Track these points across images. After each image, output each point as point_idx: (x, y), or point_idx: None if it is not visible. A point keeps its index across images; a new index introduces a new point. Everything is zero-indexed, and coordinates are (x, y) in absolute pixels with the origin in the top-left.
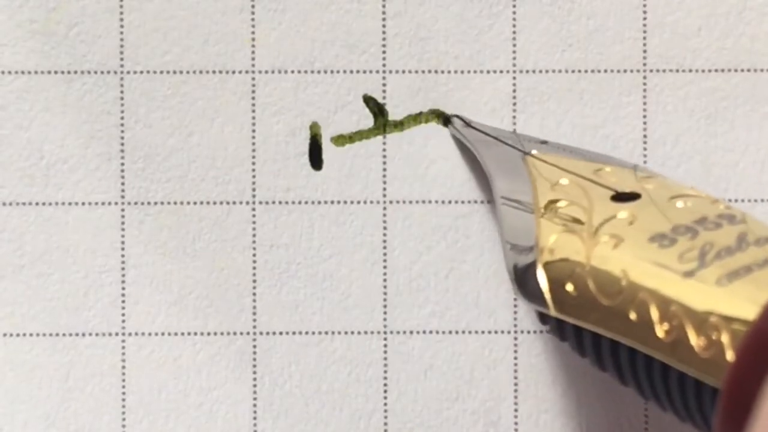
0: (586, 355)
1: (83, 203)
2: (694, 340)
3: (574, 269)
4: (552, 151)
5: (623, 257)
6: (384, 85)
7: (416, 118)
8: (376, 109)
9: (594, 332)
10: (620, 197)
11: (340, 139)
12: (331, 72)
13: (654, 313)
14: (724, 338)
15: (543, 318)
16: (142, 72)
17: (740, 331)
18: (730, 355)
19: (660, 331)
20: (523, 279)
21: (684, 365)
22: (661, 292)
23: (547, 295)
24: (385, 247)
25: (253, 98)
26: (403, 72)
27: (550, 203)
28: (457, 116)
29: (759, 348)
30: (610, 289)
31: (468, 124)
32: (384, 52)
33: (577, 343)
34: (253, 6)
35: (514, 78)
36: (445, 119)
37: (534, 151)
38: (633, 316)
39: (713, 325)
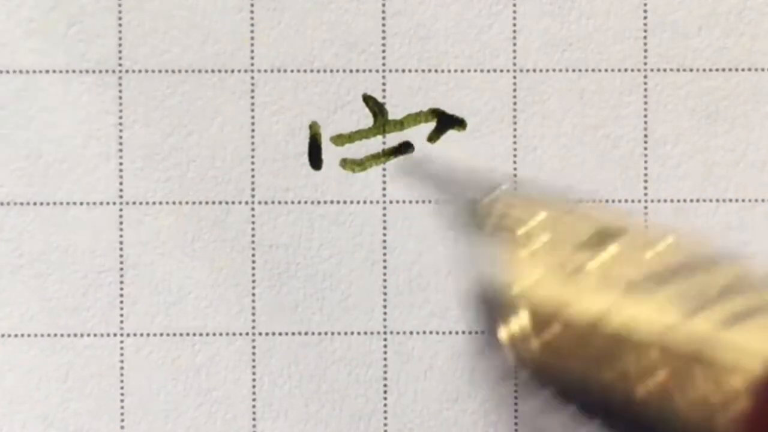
0: (571, 404)
1: (82, 203)
2: (701, 385)
3: (556, 310)
4: (525, 190)
5: (602, 299)
6: (384, 84)
7: (416, 118)
8: (376, 108)
9: (580, 378)
10: (599, 238)
11: (340, 139)
12: (331, 71)
13: (639, 358)
14: (735, 384)
15: (522, 362)
16: (140, 71)
17: (751, 375)
18: (743, 403)
19: (658, 376)
20: (502, 323)
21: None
22: (647, 336)
23: (529, 338)
24: (385, 247)
25: (253, 97)
26: (403, 71)
27: (528, 243)
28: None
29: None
30: (593, 332)
31: (440, 169)
32: (384, 51)
33: (559, 391)
34: (252, 5)
35: (514, 78)
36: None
37: (506, 188)
38: (617, 360)
39: (722, 370)
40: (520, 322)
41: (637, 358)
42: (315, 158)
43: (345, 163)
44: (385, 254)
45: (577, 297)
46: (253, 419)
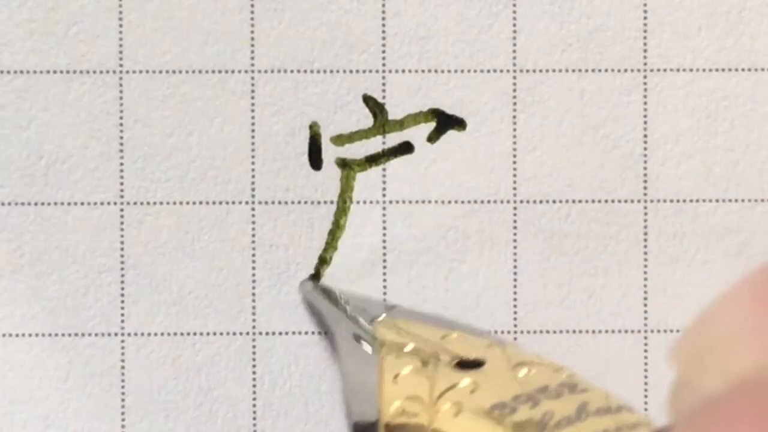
0: None
1: (82, 203)
2: None
3: None
4: (400, 316)
5: (464, 425)
6: (384, 84)
7: (416, 118)
8: (376, 108)
9: None
10: (463, 364)
11: (340, 139)
12: (331, 72)
13: None
14: None
15: None
16: (141, 71)
17: None
18: None
19: None
20: None
21: None
22: None
23: None
24: (385, 247)
25: (253, 98)
26: (403, 72)
27: (395, 370)
28: (307, 280)
29: None
30: None
31: (316, 288)
32: (384, 51)
33: None
34: (252, 5)
35: (514, 78)
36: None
37: (381, 317)
38: None
39: None
40: None
41: None
42: (315, 158)
43: (344, 164)
44: (384, 254)
45: (434, 425)
46: (254, 419)
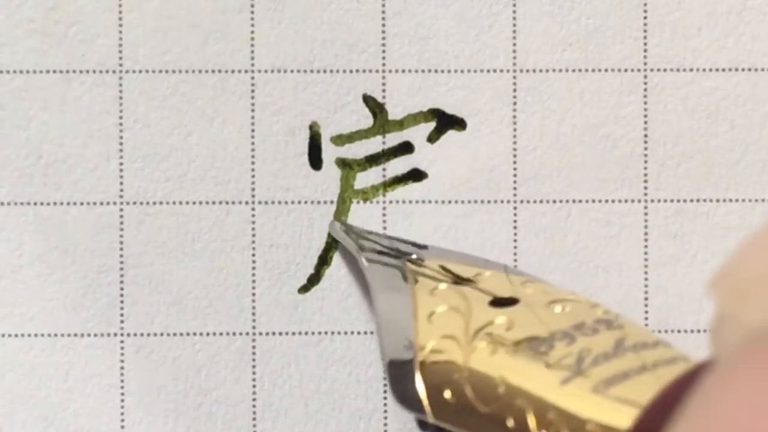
0: None
1: (82, 203)
2: None
3: (452, 375)
4: (431, 256)
5: (500, 363)
6: (384, 84)
7: (416, 118)
8: (376, 108)
9: None
10: (498, 302)
11: (340, 139)
12: (331, 72)
13: (531, 421)
14: None
15: (422, 425)
16: (141, 71)
17: None
18: None
19: None
20: (401, 386)
21: None
22: (538, 399)
23: (425, 402)
24: None
25: (253, 98)
26: (403, 72)
27: (430, 308)
28: (337, 221)
29: None
30: (488, 396)
31: (349, 227)
32: (384, 51)
33: None
34: (252, 5)
35: (514, 78)
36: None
37: (413, 256)
38: (510, 423)
39: None
40: (417, 387)
41: (518, 421)
42: (315, 158)
43: (344, 164)
44: None
45: (470, 363)
46: (253, 419)
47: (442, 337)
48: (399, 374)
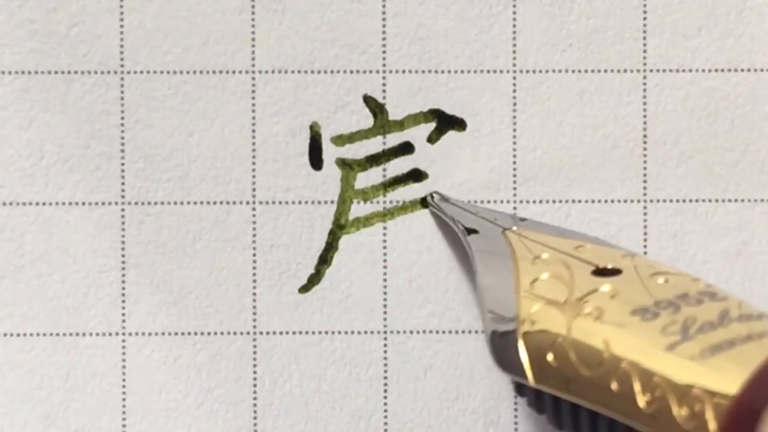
0: (564, 427)
1: (83, 203)
2: (677, 411)
3: (554, 340)
4: (531, 228)
5: (605, 329)
6: (384, 85)
7: (416, 118)
8: (376, 108)
9: (573, 404)
10: (601, 272)
11: (340, 139)
12: (331, 72)
13: (636, 385)
14: (707, 411)
15: (520, 389)
16: (142, 72)
17: (722, 404)
18: (713, 427)
19: (642, 402)
20: (502, 350)
21: None
22: (643, 364)
23: (527, 366)
24: (385, 247)
25: (253, 98)
26: (403, 72)
27: (531, 276)
28: (436, 192)
29: (742, 421)
30: (592, 361)
31: (446, 199)
32: (384, 52)
33: (554, 415)
34: (253, 6)
35: (514, 78)
36: (423, 200)
37: (513, 228)
38: (614, 387)
39: (696, 398)
40: (519, 351)
41: (622, 385)
42: (315, 158)
43: (345, 164)
44: (385, 254)
45: (573, 333)
46: (254, 418)
47: (546, 304)
48: (501, 340)
